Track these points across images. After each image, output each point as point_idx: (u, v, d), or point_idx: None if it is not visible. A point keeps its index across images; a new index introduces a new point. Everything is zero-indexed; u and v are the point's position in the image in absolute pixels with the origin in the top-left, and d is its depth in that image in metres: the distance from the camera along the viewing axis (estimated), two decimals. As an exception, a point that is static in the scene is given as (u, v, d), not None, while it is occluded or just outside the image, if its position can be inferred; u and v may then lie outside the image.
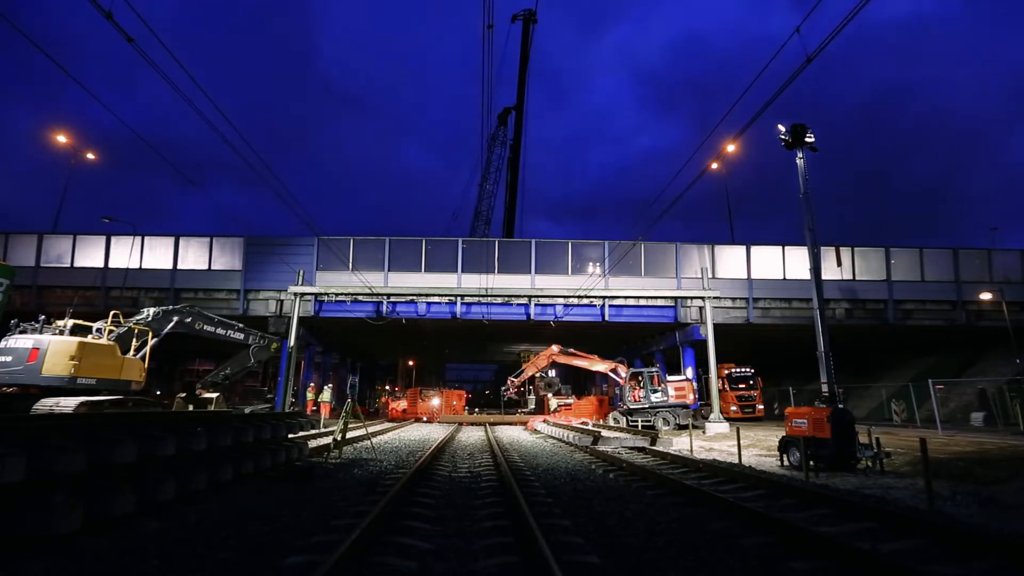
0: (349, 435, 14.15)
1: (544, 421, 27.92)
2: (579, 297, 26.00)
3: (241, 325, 20.13)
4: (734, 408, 29.01)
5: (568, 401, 30.61)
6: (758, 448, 15.43)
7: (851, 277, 27.12)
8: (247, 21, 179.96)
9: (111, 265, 26.56)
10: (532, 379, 46.26)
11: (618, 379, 26.60)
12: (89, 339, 13.24)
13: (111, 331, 14.18)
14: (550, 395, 32.36)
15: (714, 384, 23.44)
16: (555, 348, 26.95)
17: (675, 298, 26.44)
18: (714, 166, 25.50)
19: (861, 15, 6.88)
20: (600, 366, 27.36)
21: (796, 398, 27.65)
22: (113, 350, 13.73)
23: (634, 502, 7.63)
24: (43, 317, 13.32)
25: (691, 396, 25.08)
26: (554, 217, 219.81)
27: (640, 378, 26.04)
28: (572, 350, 27.05)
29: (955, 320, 26.82)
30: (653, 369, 26.95)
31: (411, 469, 9.81)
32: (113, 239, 26.99)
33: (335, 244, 26.65)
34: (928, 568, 4.69)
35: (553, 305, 26.70)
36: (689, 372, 27.22)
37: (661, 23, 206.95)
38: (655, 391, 25.32)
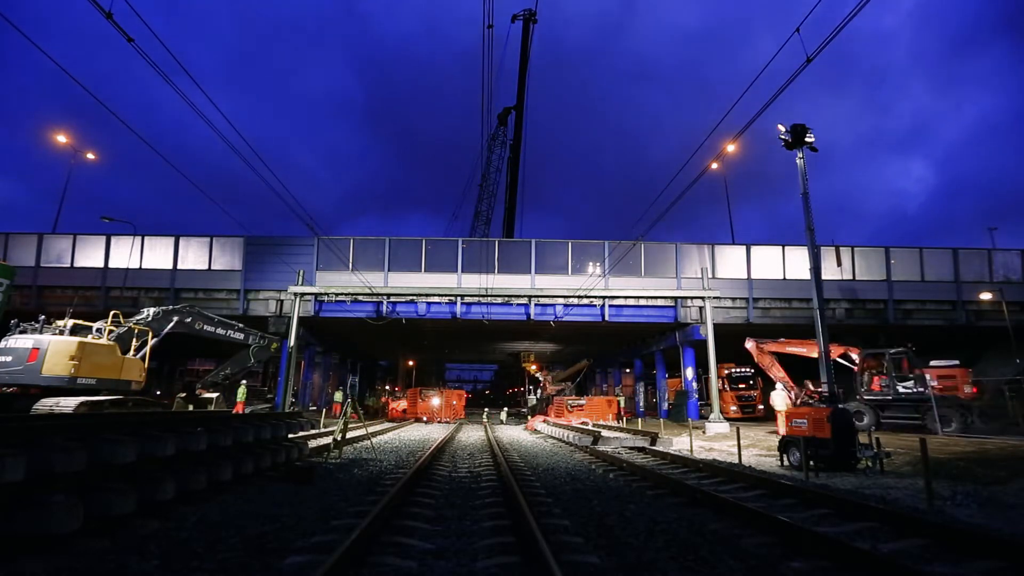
0: (349, 435, 14.16)
1: (544, 421, 27.94)
2: (579, 297, 26.00)
3: (241, 325, 20.15)
4: (734, 408, 28.99)
5: (581, 402, 30.55)
6: (758, 448, 15.44)
7: (851, 277, 27.14)
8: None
9: (111, 265, 26.58)
10: (537, 381, 46.24)
11: (851, 365, 21.57)
12: (89, 339, 13.25)
13: (111, 331, 14.19)
14: (564, 397, 32.27)
15: (714, 384, 23.43)
16: (751, 343, 23.28)
17: (675, 298, 26.44)
18: (714, 166, 25.51)
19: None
20: (813, 353, 20.30)
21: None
22: (113, 350, 13.74)
23: (634, 502, 7.63)
24: (43, 317, 13.33)
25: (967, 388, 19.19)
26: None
27: (883, 361, 20.50)
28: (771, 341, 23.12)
29: (955, 320, 26.83)
30: (901, 350, 20.50)
31: (411, 469, 9.82)
32: (113, 239, 27.00)
33: (335, 244, 26.66)
34: (928, 568, 4.70)
35: (553, 305, 26.71)
36: (689, 372, 27.23)
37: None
38: (906, 379, 19.57)
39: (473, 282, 26.58)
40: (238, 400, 26.80)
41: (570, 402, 30.32)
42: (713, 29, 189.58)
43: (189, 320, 17.33)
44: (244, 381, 24.89)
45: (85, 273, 26.52)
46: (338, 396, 33.99)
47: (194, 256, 27.00)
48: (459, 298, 26.65)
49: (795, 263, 26.46)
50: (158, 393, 31.46)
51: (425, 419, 33.95)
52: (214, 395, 18.31)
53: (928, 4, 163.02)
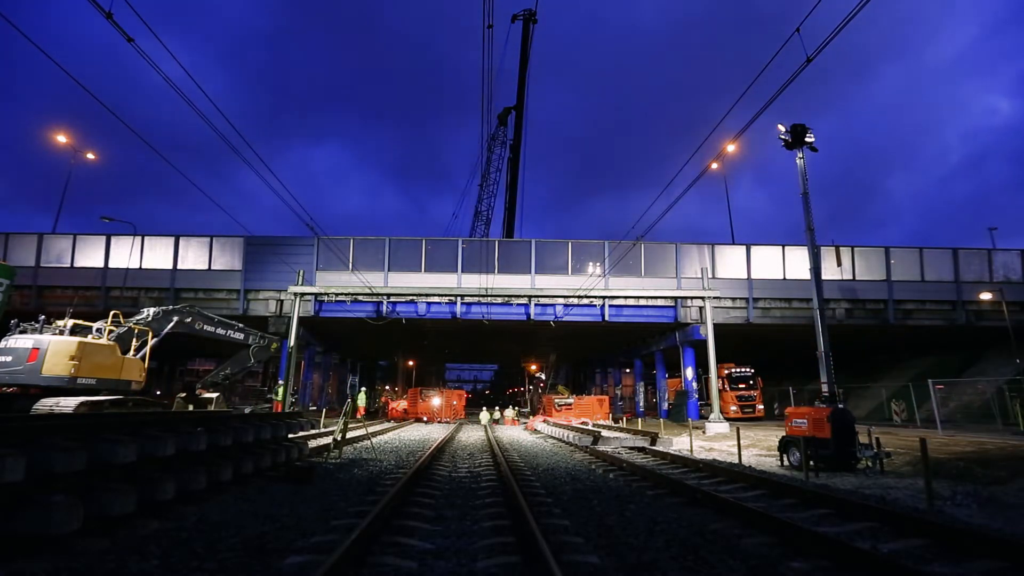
0: (349, 435, 14.15)
1: (544, 421, 27.95)
2: (579, 297, 25.99)
3: (241, 325, 20.13)
4: (734, 408, 28.99)
5: (568, 401, 30.61)
6: (758, 448, 15.43)
7: (851, 277, 27.12)
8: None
9: (111, 265, 26.56)
10: (533, 379, 46.18)
11: None
12: (89, 339, 13.24)
13: (111, 331, 14.18)
14: (552, 395, 32.40)
15: (714, 384, 23.43)
16: None
17: (675, 298, 26.43)
18: (714, 166, 25.49)
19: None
20: None
21: (796, 398, 27.64)
22: (113, 350, 13.73)
23: (634, 502, 7.63)
24: (43, 317, 13.32)
25: None
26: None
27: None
28: None
29: (955, 320, 26.82)
30: None
31: (411, 469, 9.82)
32: (113, 239, 26.98)
33: (335, 244, 26.66)
34: (928, 568, 4.70)
35: (553, 305, 26.70)
36: (689, 372, 27.21)
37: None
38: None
39: (473, 282, 26.57)
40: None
41: (558, 401, 30.39)
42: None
43: (189, 320, 17.33)
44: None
45: (85, 273, 26.50)
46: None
47: (194, 256, 26.99)
48: (459, 298, 26.64)
49: (795, 263, 26.45)
50: (158, 393, 31.46)
51: (425, 419, 33.96)
52: (214, 395, 18.30)
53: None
